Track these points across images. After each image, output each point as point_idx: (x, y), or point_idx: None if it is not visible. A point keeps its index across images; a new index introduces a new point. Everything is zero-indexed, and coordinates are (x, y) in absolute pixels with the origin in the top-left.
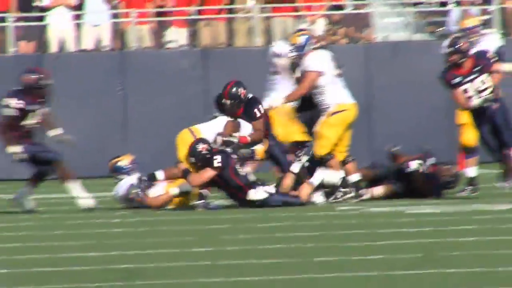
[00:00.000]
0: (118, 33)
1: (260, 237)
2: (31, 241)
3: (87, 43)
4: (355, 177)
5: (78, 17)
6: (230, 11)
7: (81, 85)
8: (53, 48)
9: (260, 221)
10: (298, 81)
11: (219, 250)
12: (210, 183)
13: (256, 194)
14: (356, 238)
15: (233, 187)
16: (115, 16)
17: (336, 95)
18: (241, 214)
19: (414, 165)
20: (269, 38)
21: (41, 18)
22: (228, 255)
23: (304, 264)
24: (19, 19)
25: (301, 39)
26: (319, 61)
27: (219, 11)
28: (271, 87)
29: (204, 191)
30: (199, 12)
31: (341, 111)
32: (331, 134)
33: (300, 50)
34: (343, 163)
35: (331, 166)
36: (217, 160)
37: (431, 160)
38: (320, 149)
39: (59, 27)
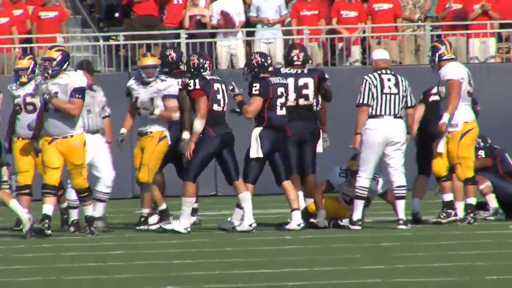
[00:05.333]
0: None
1: (430, 255)
2: (202, 258)
3: None
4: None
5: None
6: (396, 29)
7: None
8: (223, 64)
9: (430, 239)
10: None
11: (389, 268)
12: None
13: None
14: None
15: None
16: (287, 33)
17: (465, 113)
18: (410, 232)
19: None
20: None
21: (212, 35)
22: (398, 273)
23: (476, 282)
24: (190, 36)
25: None
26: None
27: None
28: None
29: None
30: (372, 30)
31: (469, 130)
32: (471, 154)
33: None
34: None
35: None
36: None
37: None
38: (469, 171)
39: (229, 44)
